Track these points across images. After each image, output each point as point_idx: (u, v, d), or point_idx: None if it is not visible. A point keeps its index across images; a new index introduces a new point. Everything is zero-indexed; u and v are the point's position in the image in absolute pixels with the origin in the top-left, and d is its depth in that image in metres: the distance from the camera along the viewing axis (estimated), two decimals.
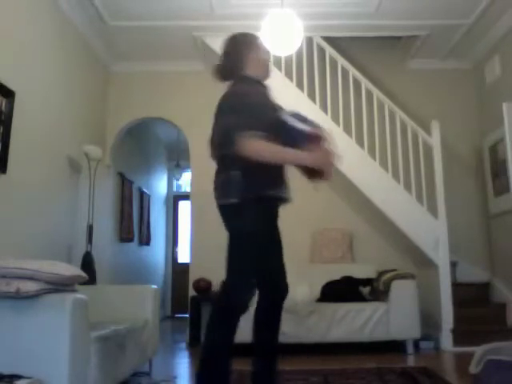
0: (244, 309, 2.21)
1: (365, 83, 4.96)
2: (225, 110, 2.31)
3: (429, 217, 4.66)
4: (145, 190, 7.28)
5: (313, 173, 2.25)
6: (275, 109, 2.37)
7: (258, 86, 2.42)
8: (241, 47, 2.43)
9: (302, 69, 4.89)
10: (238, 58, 2.41)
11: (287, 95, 4.34)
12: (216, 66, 2.48)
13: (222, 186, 2.31)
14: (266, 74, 2.49)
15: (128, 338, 2.85)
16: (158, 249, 8.17)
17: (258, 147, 2.15)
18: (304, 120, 2.30)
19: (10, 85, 3.32)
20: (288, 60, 4.90)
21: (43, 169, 3.87)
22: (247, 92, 2.30)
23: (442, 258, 4.55)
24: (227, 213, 2.33)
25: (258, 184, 2.23)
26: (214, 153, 2.38)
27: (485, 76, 5.24)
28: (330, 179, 2.26)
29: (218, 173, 2.36)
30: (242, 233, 2.28)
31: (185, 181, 8.97)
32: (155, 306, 3.48)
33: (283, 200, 2.36)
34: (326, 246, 5.10)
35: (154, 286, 3.60)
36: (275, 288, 2.41)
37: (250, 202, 2.21)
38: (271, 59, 2.47)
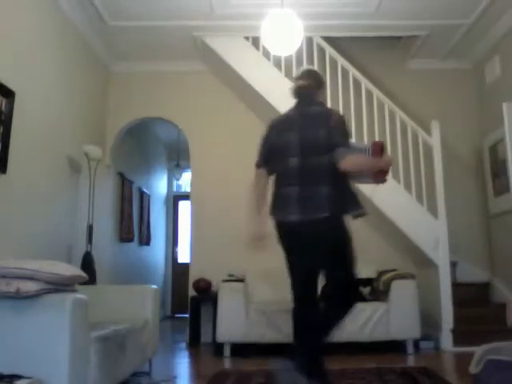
0: None
1: (365, 83, 4.96)
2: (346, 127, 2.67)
3: (429, 217, 4.66)
4: (145, 190, 7.28)
5: (378, 175, 2.66)
6: None
7: None
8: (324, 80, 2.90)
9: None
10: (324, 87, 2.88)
11: (287, 95, 4.33)
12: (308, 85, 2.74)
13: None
14: None
15: (128, 337, 2.85)
16: (158, 249, 8.17)
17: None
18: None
19: (10, 85, 3.32)
20: (288, 60, 4.90)
21: (43, 169, 3.87)
22: None
23: (442, 257, 4.55)
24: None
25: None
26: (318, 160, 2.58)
27: (485, 76, 5.24)
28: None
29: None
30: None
31: (185, 181, 8.97)
32: (155, 305, 3.48)
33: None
34: None
35: (154, 286, 3.60)
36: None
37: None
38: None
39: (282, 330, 3.99)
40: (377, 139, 4.83)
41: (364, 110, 4.90)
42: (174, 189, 9.20)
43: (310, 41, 4.95)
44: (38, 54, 3.83)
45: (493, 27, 4.80)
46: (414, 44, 5.26)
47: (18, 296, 2.16)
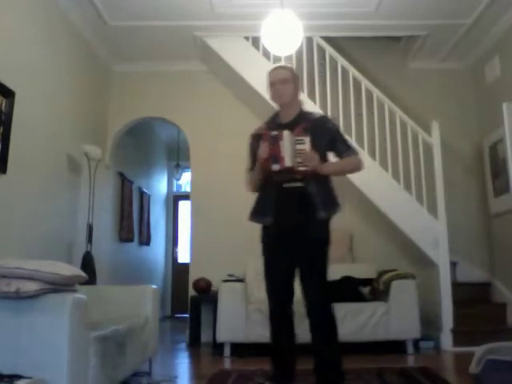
0: None
1: (365, 83, 4.96)
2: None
3: (429, 217, 4.66)
4: (145, 189, 7.28)
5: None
6: None
7: None
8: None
9: (302, 69, 4.89)
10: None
11: None
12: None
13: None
14: None
15: (128, 337, 2.85)
16: (158, 249, 8.17)
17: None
18: None
19: (10, 85, 3.32)
20: (288, 60, 4.89)
21: (43, 169, 3.87)
22: None
23: (441, 257, 4.55)
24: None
25: None
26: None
27: (485, 76, 5.24)
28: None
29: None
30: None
31: (185, 181, 8.97)
32: (155, 305, 3.48)
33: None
34: None
35: (154, 286, 3.60)
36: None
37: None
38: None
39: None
40: (377, 139, 4.85)
41: (364, 110, 4.90)
42: (174, 189, 9.20)
43: (309, 41, 4.95)
44: (38, 54, 3.83)
45: (493, 27, 4.79)
46: (413, 44, 5.26)
47: (17, 296, 2.16)
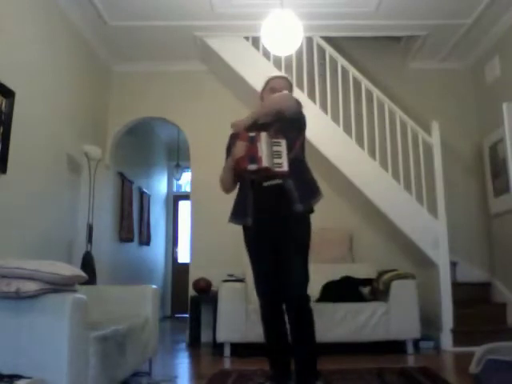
0: None
1: (365, 83, 4.96)
2: None
3: (429, 217, 4.66)
4: (145, 190, 7.28)
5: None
6: None
7: None
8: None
9: (301, 69, 4.89)
10: None
11: None
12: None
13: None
14: None
15: (128, 337, 2.85)
16: (158, 249, 8.17)
17: None
18: None
19: (10, 85, 3.32)
20: (288, 60, 4.90)
21: (43, 169, 3.87)
22: None
23: (441, 257, 4.55)
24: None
25: None
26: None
27: (485, 76, 5.24)
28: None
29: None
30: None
31: (185, 181, 8.97)
32: (155, 305, 3.48)
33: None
34: (325, 246, 5.09)
35: (154, 286, 3.60)
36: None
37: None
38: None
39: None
40: (377, 139, 4.84)
41: (364, 110, 4.90)
42: (174, 189, 9.20)
43: (309, 41, 4.95)
44: (37, 54, 3.83)
45: (493, 27, 4.79)
46: (413, 44, 5.26)
47: (17, 296, 2.16)
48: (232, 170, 2.73)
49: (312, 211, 2.74)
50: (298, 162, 2.70)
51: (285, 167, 2.59)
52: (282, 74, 3.33)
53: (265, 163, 2.56)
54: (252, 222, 2.67)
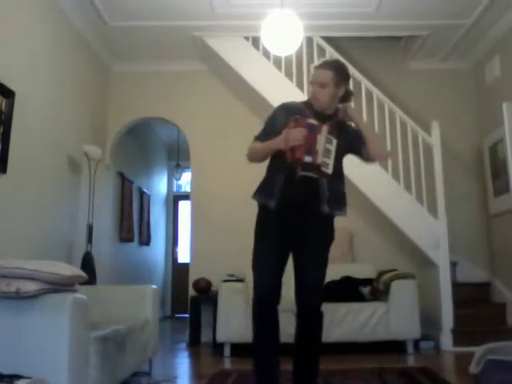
0: None
1: (365, 83, 4.96)
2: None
3: (429, 217, 4.66)
4: (145, 190, 7.28)
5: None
6: None
7: None
8: None
9: (301, 69, 4.89)
10: None
11: (287, 96, 4.34)
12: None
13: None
14: None
15: (128, 337, 2.85)
16: (158, 249, 8.17)
17: None
18: None
19: (10, 85, 3.32)
20: (288, 60, 4.90)
21: (43, 169, 3.87)
22: None
23: (442, 257, 4.55)
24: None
25: None
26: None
27: (485, 76, 5.24)
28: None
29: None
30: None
31: (185, 181, 8.97)
32: (155, 305, 3.48)
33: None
34: None
35: (154, 286, 3.60)
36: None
37: None
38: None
39: (281, 330, 3.98)
40: None
41: (364, 110, 4.89)
42: (174, 189, 9.20)
43: (310, 41, 4.95)
44: (38, 54, 3.83)
45: (493, 27, 4.80)
46: (414, 44, 5.26)
47: (17, 296, 2.16)
48: (274, 151, 2.44)
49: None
50: (339, 169, 2.53)
51: (330, 169, 2.37)
52: (329, 60, 2.77)
53: (319, 159, 2.31)
54: (274, 206, 2.45)
